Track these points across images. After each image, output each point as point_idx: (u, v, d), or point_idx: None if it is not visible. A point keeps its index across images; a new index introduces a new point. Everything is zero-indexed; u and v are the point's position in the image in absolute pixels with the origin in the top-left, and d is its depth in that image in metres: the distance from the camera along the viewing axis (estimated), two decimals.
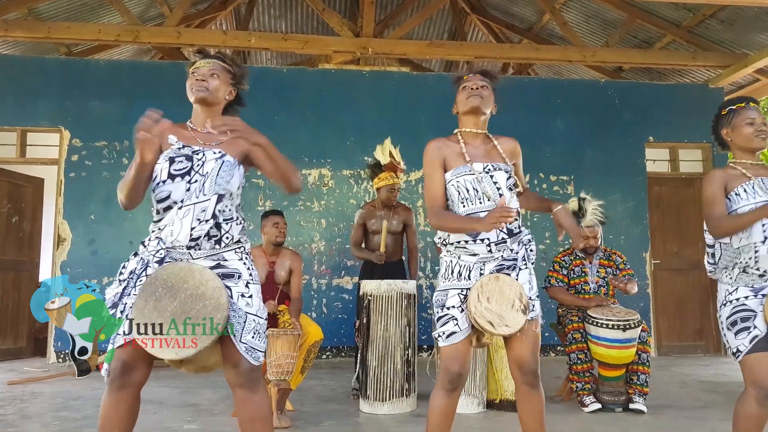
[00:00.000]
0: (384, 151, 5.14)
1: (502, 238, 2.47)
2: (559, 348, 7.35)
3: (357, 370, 4.50)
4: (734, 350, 2.57)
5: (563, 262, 4.75)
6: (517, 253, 2.52)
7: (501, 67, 9.71)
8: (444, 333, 2.44)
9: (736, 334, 2.55)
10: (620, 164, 7.83)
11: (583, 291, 4.65)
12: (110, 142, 7.12)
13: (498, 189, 2.49)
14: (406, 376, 4.26)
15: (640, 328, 4.25)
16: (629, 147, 7.90)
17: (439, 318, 2.49)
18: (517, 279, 2.48)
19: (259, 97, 7.38)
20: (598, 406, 4.27)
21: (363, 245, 5.17)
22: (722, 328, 2.64)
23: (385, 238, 4.98)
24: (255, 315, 2.27)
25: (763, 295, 2.55)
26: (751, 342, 2.50)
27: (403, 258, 5.25)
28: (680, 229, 7.96)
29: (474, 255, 2.50)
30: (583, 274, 4.68)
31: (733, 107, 2.78)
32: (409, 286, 4.38)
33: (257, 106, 7.35)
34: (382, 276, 4.83)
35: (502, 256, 2.49)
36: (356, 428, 3.83)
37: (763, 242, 2.55)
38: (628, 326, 4.13)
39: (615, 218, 7.73)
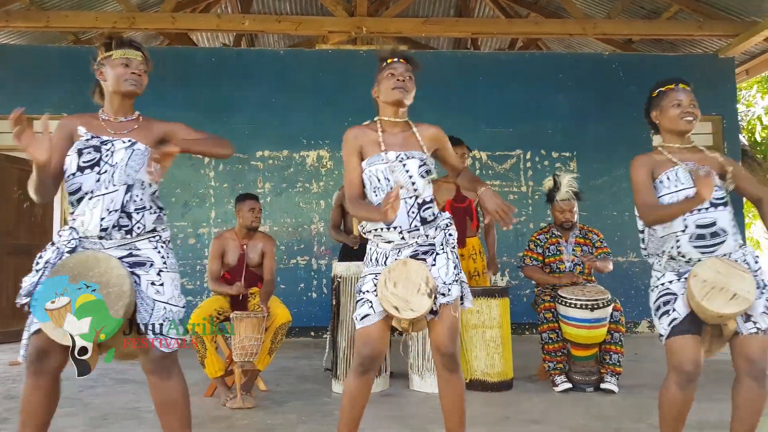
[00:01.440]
0: None
1: (415, 226, 2.49)
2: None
3: (327, 350, 4.56)
4: (659, 334, 2.54)
5: (538, 241, 4.71)
6: (434, 238, 2.52)
7: (509, 43, 9.56)
8: (359, 315, 2.47)
9: (659, 318, 2.53)
10: (625, 139, 7.63)
11: (558, 270, 4.60)
12: None
13: (410, 177, 2.49)
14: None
15: (612, 307, 4.21)
16: (634, 121, 7.56)
17: (357, 301, 2.53)
18: (434, 263, 2.48)
19: (257, 80, 7.45)
20: (569, 385, 4.25)
21: (342, 227, 5.21)
22: (652, 313, 2.61)
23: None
24: (166, 303, 2.32)
25: (687, 278, 2.50)
26: (669, 325, 2.47)
27: None
28: None
29: (389, 242, 2.52)
30: (558, 253, 4.63)
31: (663, 89, 2.71)
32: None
33: (255, 89, 7.47)
34: (361, 258, 4.87)
35: (416, 242, 2.50)
36: (321, 408, 3.88)
37: (684, 231, 2.51)
38: (596, 306, 4.08)
39: (620, 195, 7.59)
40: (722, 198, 2.55)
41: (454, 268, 2.49)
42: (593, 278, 4.66)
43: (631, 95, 7.68)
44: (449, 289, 2.45)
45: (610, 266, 4.51)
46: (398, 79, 2.55)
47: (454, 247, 2.57)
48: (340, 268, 4.41)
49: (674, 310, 2.47)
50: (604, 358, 4.29)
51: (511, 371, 4.42)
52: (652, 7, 7.93)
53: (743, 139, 9.19)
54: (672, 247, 2.52)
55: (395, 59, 2.61)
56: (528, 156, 7.61)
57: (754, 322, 2.43)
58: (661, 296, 2.54)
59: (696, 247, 2.49)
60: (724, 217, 2.52)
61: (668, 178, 2.55)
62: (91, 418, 3.59)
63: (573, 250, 4.63)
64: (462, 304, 2.53)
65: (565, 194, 4.61)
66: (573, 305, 4.14)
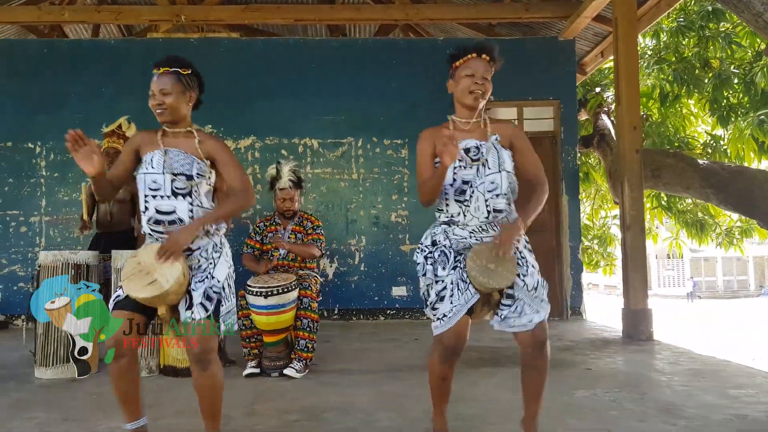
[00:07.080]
0: (113, 125, 5.24)
1: None
2: None
3: (24, 335, 4.63)
4: None
5: (258, 228, 4.74)
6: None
7: (378, 28, 9.49)
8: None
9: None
10: None
11: (272, 257, 4.62)
12: None
13: None
14: (73, 342, 4.38)
15: (295, 293, 4.23)
16: None
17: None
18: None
19: (88, 70, 7.51)
20: (255, 370, 4.29)
21: (96, 216, 5.31)
22: None
23: (110, 208, 5.13)
24: None
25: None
26: (114, 301, 2.52)
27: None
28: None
29: None
30: (276, 240, 4.65)
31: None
32: (77, 256, 4.46)
33: (86, 79, 7.52)
34: (107, 246, 4.96)
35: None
36: (4, 395, 3.93)
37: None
38: (269, 293, 4.11)
39: None
40: (183, 188, 2.57)
41: None
42: (309, 264, 4.67)
43: None
44: None
45: (314, 251, 4.54)
46: None
47: None
48: (41, 256, 4.47)
49: (120, 287, 2.51)
50: (294, 343, 4.33)
51: None
52: None
53: (609, 123, 9.07)
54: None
55: None
56: (359, 143, 7.60)
57: (192, 312, 2.45)
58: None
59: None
60: (181, 207, 2.56)
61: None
62: None
63: (288, 237, 4.65)
64: None
65: (285, 183, 4.64)
66: (251, 293, 4.18)
